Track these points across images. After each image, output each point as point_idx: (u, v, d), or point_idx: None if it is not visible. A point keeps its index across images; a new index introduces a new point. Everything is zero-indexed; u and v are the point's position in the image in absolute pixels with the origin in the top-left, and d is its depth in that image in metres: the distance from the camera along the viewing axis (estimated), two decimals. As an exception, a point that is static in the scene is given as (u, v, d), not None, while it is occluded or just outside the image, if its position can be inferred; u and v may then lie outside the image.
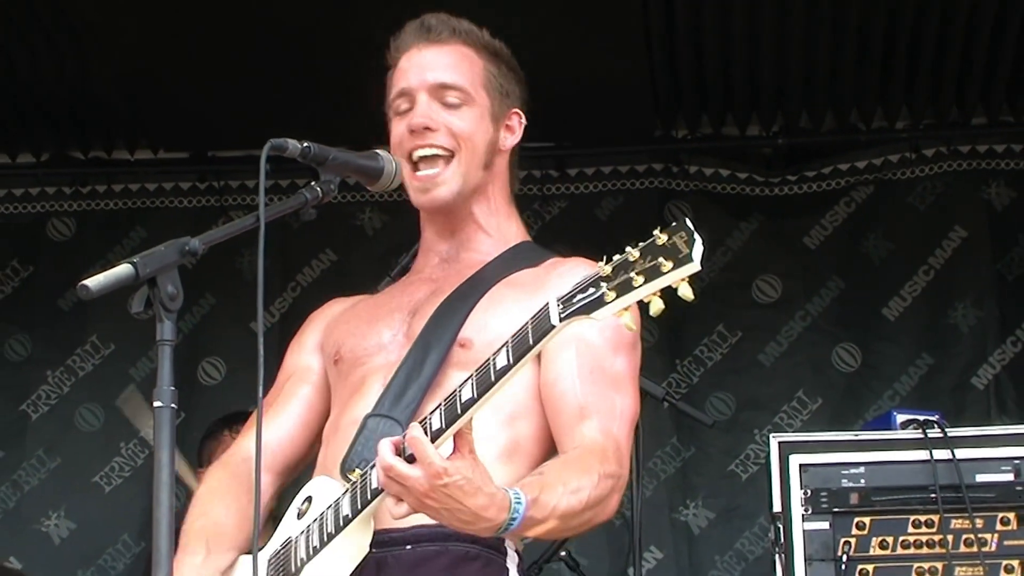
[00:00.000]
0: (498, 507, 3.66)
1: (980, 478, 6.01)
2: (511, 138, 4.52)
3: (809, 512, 6.12)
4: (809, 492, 6.13)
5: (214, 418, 7.33)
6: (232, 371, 7.93)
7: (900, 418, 6.16)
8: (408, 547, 3.94)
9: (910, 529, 6.02)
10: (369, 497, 3.69)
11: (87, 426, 7.95)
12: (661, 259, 3.26)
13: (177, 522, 3.54)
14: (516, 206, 4.49)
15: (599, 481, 3.90)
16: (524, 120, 4.51)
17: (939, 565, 6.00)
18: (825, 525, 6.08)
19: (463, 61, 4.42)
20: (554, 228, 7.93)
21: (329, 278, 8.03)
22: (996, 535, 6.00)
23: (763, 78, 7.49)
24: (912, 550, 6.04)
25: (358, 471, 3.85)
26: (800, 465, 6.13)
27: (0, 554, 7.28)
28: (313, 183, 3.81)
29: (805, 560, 6.10)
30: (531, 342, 3.41)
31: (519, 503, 3.74)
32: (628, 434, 4.11)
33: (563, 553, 6.57)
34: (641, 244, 3.40)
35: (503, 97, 4.47)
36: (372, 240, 8.04)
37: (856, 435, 6.30)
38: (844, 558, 5.99)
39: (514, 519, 3.74)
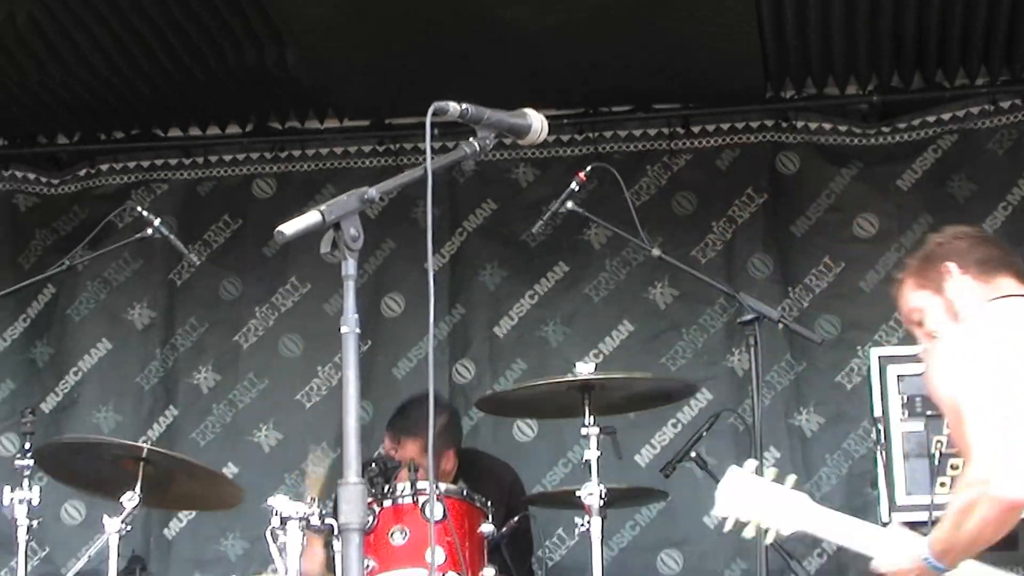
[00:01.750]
0: None
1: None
2: None
3: (906, 415, 6.23)
4: (906, 398, 6.23)
5: (394, 348, 7.66)
6: (410, 305, 8.02)
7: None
8: None
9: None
10: None
11: (289, 353, 8.17)
12: None
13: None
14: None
15: (958, 498, 4.25)
16: None
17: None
18: (920, 426, 6.17)
19: None
20: (680, 178, 8.06)
21: (490, 225, 8.19)
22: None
23: (859, 44, 7.57)
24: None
25: None
26: (897, 375, 6.25)
27: (219, 462, 7.42)
28: (472, 139, 3.91)
29: (903, 457, 6.24)
30: None
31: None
32: (982, 431, 4.19)
33: (693, 455, 6.72)
34: None
35: None
36: (525, 191, 8.15)
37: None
38: (937, 455, 6.06)
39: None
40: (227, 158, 8.46)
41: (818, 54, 7.69)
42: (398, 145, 8.22)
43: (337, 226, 3.64)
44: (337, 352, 7.66)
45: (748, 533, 4.50)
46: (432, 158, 3.77)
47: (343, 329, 3.66)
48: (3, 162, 8.59)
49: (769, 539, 4.60)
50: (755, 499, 4.50)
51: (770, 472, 4.52)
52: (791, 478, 4.53)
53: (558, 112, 7.67)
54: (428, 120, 3.76)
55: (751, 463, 4.50)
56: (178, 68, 7.67)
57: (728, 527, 4.49)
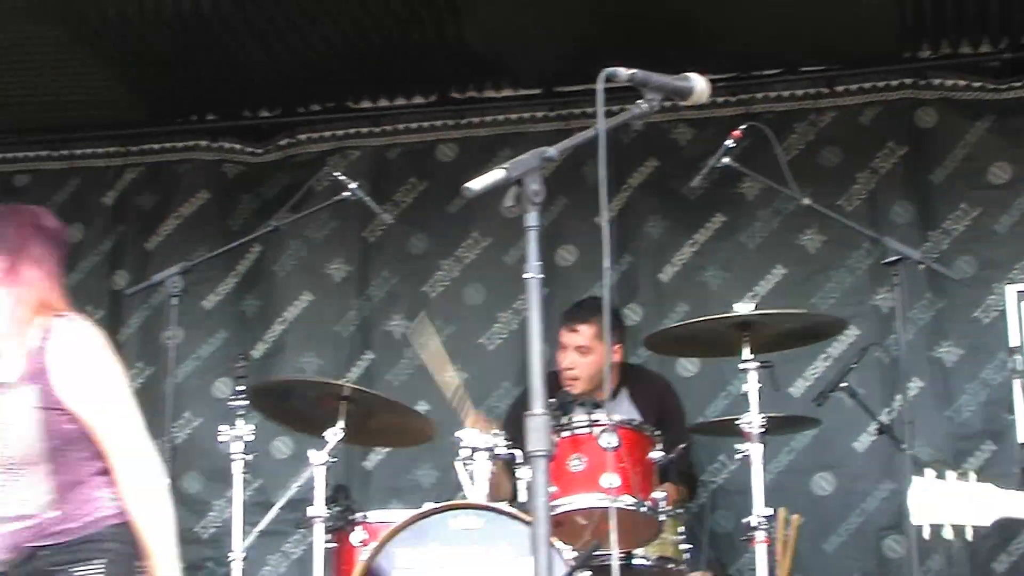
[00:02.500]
0: None
1: None
2: None
3: (1040, 345, 6.39)
4: (1040, 329, 6.39)
5: (568, 294, 7.71)
6: (581, 255, 8.18)
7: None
8: None
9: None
10: None
11: (472, 301, 8.34)
12: None
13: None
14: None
15: None
16: None
17: None
18: (1053, 355, 6.32)
19: None
20: (826, 133, 8.15)
21: (652, 181, 8.30)
22: None
23: (990, 6, 7.62)
24: None
25: None
26: (1032, 308, 6.41)
27: (411, 401, 7.38)
28: (639, 101, 4.05)
29: (1038, 383, 6.39)
30: None
31: None
32: None
33: (843, 385, 6.77)
34: None
35: None
36: (684, 149, 8.25)
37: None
38: (1069, 379, 6.21)
39: None
40: (413, 126, 8.60)
41: (952, 16, 7.69)
42: (568, 111, 8.29)
43: (519, 182, 3.80)
44: (515, 299, 7.91)
45: (946, 534, 4.61)
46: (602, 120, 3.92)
47: (527, 275, 3.80)
48: (212, 135, 8.82)
49: (969, 535, 4.65)
50: (945, 501, 4.59)
51: (951, 475, 4.62)
52: (972, 475, 4.64)
53: (713, 76, 7.70)
54: (600, 84, 3.89)
55: (930, 472, 4.60)
56: (367, 44, 7.83)
57: (926, 534, 4.61)
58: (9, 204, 4.83)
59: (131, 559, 4.46)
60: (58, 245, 4.75)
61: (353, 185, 7.10)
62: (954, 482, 4.61)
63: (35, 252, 4.64)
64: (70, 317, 4.57)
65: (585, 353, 7.10)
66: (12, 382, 4.47)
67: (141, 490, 4.49)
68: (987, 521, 4.64)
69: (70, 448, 4.46)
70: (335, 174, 7.34)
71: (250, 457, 6.78)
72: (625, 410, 7.05)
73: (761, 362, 6.12)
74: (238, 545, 6.68)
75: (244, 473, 6.77)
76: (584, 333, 7.10)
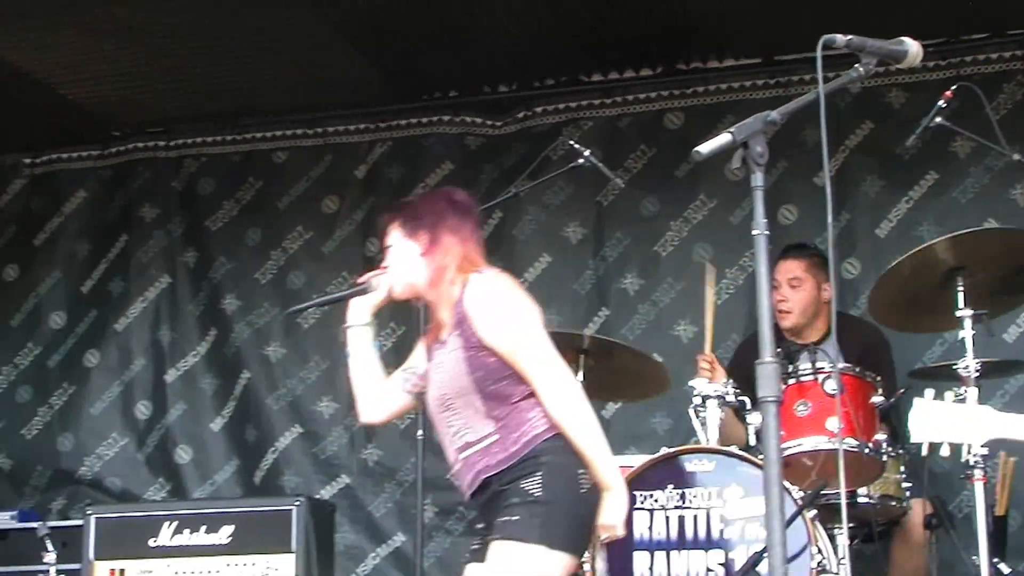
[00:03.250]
0: None
1: None
2: None
3: None
4: None
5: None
6: (801, 214, 8.17)
7: None
8: None
9: None
10: None
11: (700, 258, 8.27)
12: None
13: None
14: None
15: None
16: None
17: None
18: None
19: None
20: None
21: (868, 142, 8.26)
22: None
23: None
24: None
25: None
26: None
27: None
28: (856, 66, 4.10)
29: None
30: None
31: None
32: None
33: None
34: None
35: None
36: (898, 111, 8.19)
37: None
38: None
39: None
40: (641, 96, 8.64)
41: None
42: (787, 78, 8.28)
43: (745, 145, 3.88)
44: (740, 256, 7.97)
45: (944, 452, 4.70)
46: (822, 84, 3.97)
47: (755, 231, 3.87)
48: (455, 110, 8.98)
49: (964, 455, 4.85)
50: (943, 421, 4.66)
51: (949, 395, 4.72)
52: (973, 396, 4.68)
53: (924, 42, 7.72)
54: (819, 51, 3.96)
55: (929, 392, 4.70)
56: (597, 21, 7.92)
57: (924, 452, 4.71)
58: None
59: (568, 468, 4.71)
60: (469, 213, 5.12)
61: (587, 153, 7.17)
62: (952, 404, 4.69)
63: (451, 222, 5.00)
64: (485, 271, 4.96)
65: (796, 286, 7.15)
66: (445, 337, 4.92)
67: (563, 405, 4.75)
68: (979, 440, 4.74)
69: (496, 379, 4.80)
70: (570, 143, 7.40)
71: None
72: (833, 354, 7.09)
73: (975, 311, 6.06)
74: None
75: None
76: (794, 267, 7.16)
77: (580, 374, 6.59)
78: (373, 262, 8.58)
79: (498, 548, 4.63)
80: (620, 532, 4.86)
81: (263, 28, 7.97)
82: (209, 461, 9.11)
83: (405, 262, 5.06)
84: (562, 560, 4.62)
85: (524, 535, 4.59)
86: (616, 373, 6.90)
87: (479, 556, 4.79)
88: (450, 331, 4.89)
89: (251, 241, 9.28)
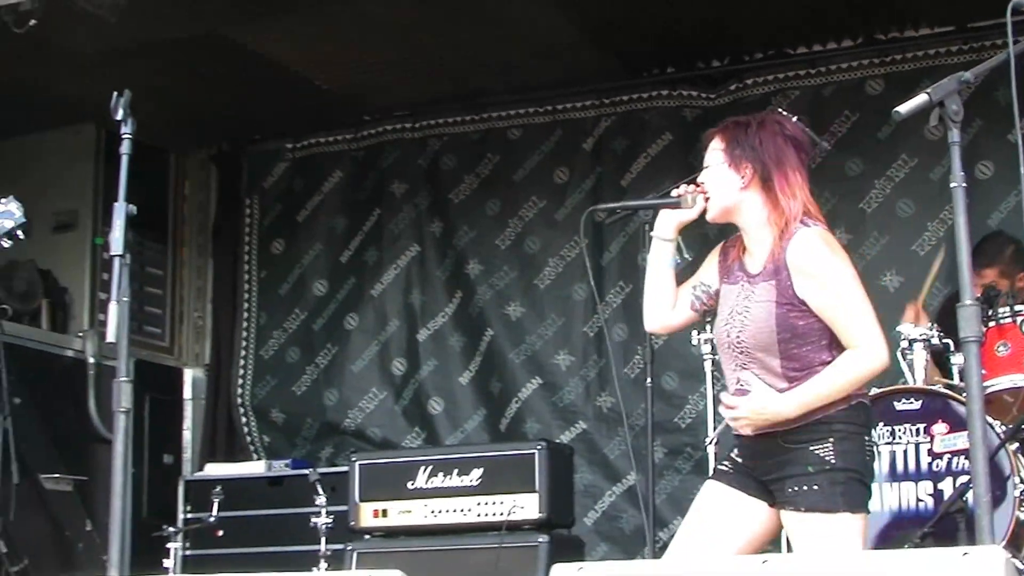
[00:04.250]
0: None
1: None
2: None
3: None
4: None
5: (986, 205, 7.75)
6: (998, 169, 7.99)
7: None
8: None
9: None
10: None
11: (903, 214, 8.30)
12: None
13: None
14: None
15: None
16: None
17: None
18: None
19: None
20: None
21: None
22: None
23: None
24: None
25: None
26: None
27: None
28: None
29: None
30: None
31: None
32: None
33: None
34: None
35: None
36: None
37: None
38: None
39: None
40: (843, 66, 8.58)
41: None
42: (979, 43, 8.14)
43: (941, 104, 3.93)
44: (940, 210, 7.93)
45: None
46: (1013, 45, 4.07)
47: (952, 184, 3.94)
48: (672, 84, 9.01)
49: None
50: None
51: None
52: None
53: None
54: (1008, 15, 4.02)
55: None
56: None
57: None
58: (753, 115, 4.95)
59: (858, 436, 4.53)
60: (806, 153, 4.86)
61: (795, 119, 7.16)
62: None
63: (791, 161, 4.73)
64: (812, 224, 4.63)
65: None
66: (755, 275, 4.66)
67: (856, 364, 4.49)
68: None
69: (800, 340, 4.54)
70: (779, 111, 7.39)
71: (717, 357, 7.01)
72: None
73: None
74: (711, 432, 6.93)
75: (714, 371, 6.97)
76: (988, 275, 7.00)
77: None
78: (603, 226, 8.82)
79: (807, 520, 4.46)
80: (730, 418, 4.68)
81: (497, 17, 8.11)
82: (459, 411, 9.29)
83: (725, 189, 4.75)
84: (863, 520, 4.50)
85: (829, 505, 4.43)
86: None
87: (726, 479, 4.70)
88: (765, 276, 4.60)
89: (490, 211, 9.43)
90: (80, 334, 9.06)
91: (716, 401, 6.91)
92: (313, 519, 7.41)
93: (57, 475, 8.18)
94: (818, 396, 4.49)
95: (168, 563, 7.78)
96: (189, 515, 8.41)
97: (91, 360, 8.83)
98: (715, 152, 4.79)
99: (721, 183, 4.76)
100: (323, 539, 7.39)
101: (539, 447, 7.13)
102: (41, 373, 8.49)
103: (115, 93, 4.91)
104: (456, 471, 7.23)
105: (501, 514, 7.03)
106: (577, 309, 9.07)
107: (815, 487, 4.45)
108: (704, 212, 4.83)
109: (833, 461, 4.46)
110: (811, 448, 4.49)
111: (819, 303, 4.51)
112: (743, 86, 8.81)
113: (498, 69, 8.94)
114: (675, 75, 9.06)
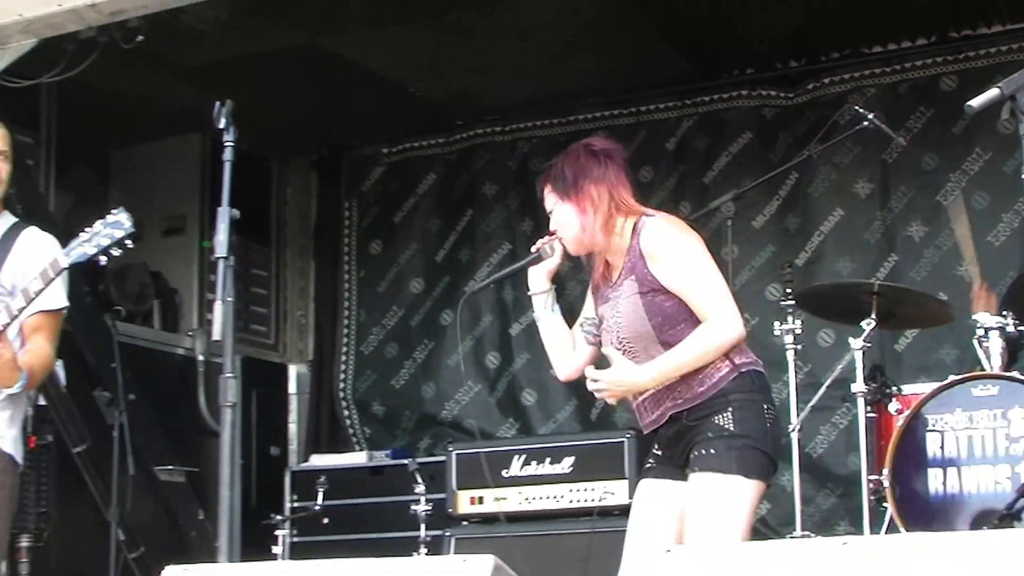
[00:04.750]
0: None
1: None
2: None
3: None
4: None
5: None
6: None
7: None
8: None
9: None
10: None
11: (978, 206, 8.14)
12: None
13: None
14: None
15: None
16: None
17: None
18: None
19: None
20: None
21: None
22: None
23: None
24: None
25: None
26: None
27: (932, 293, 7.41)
28: None
29: None
30: None
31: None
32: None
33: None
34: None
35: None
36: None
37: None
38: None
39: None
40: (918, 63, 8.50)
41: None
42: None
43: (1013, 97, 3.87)
44: (1015, 202, 7.79)
45: None
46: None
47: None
48: (752, 85, 8.98)
49: None
50: None
51: None
52: None
53: None
54: None
55: None
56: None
57: None
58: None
59: (756, 404, 4.57)
60: (611, 158, 4.76)
61: (871, 116, 7.11)
62: None
63: (594, 173, 4.69)
64: (654, 214, 4.68)
65: None
66: (617, 280, 4.70)
67: (707, 336, 4.51)
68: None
69: (673, 321, 4.57)
70: (855, 108, 7.39)
71: (799, 347, 6.99)
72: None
73: None
74: (794, 419, 6.89)
75: (795, 360, 6.98)
76: None
77: (872, 314, 6.56)
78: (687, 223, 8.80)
79: (700, 479, 4.50)
80: (596, 389, 4.68)
81: (582, 24, 8.12)
82: (551, 402, 9.28)
83: (568, 222, 4.73)
84: (757, 487, 4.51)
85: (723, 467, 4.46)
86: (904, 310, 6.84)
87: (652, 473, 4.75)
88: (625, 275, 4.64)
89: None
90: (190, 333, 9.17)
91: (797, 389, 6.90)
92: (412, 507, 7.47)
93: (170, 467, 8.29)
94: (674, 365, 4.55)
95: (277, 549, 7.88)
96: (295, 504, 8.48)
97: (200, 357, 8.95)
98: (548, 197, 4.81)
99: (564, 220, 4.76)
100: (422, 526, 7.45)
101: (628, 436, 7.11)
102: (154, 371, 8.60)
103: (218, 103, 4.97)
104: (549, 459, 7.24)
105: (592, 500, 7.04)
106: None
107: (712, 451, 4.50)
108: (566, 251, 4.86)
109: (732, 428, 4.51)
110: (713, 419, 4.54)
111: (673, 282, 4.56)
112: (820, 85, 8.75)
113: (584, 73, 8.94)
114: (754, 76, 9.02)
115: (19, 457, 5.30)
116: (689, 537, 4.48)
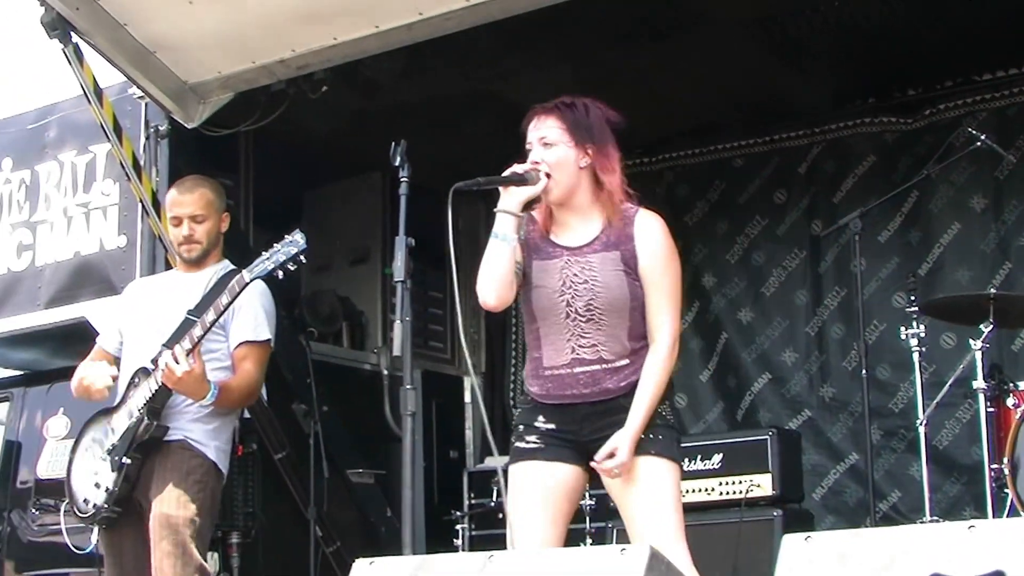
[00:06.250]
0: None
1: None
2: None
3: None
4: None
5: None
6: None
7: None
8: None
9: None
10: None
11: None
12: None
13: None
14: None
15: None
16: None
17: None
18: None
19: None
20: None
21: None
22: None
23: None
24: None
25: None
26: None
27: None
28: None
29: None
30: None
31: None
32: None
33: None
34: None
35: None
36: None
37: None
38: None
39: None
40: (1017, 91, 8.34)
41: None
42: None
43: None
44: None
45: None
46: None
47: None
48: (874, 112, 8.87)
49: None
50: None
51: None
52: None
53: None
54: None
55: None
56: (985, 29, 7.72)
57: None
58: (573, 97, 4.51)
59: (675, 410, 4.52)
60: (617, 137, 4.47)
61: (983, 137, 7.08)
62: None
63: (614, 142, 4.45)
64: (641, 207, 4.42)
65: None
66: (581, 247, 4.39)
67: (664, 356, 4.33)
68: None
69: (641, 310, 4.34)
70: (969, 130, 7.40)
71: (924, 349, 6.93)
72: None
73: None
74: (921, 415, 6.84)
75: (921, 361, 6.91)
76: None
77: (989, 317, 6.51)
78: (818, 239, 8.74)
79: (653, 463, 4.31)
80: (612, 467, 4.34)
81: (721, 61, 8.07)
82: (700, 405, 9.23)
83: (567, 167, 4.37)
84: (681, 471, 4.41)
85: (669, 453, 4.33)
86: (1020, 314, 6.78)
87: (538, 455, 4.45)
88: (599, 247, 4.34)
89: (720, 230, 9.36)
90: (375, 350, 9.30)
91: (923, 387, 6.82)
92: (579, 502, 7.44)
93: (360, 470, 8.38)
94: (649, 407, 4.31)
95: (457, 542, 7.94)
96: (473, 501, 8.54)
97: (385, 372, 9.07)
98: (556, 131, 4.40)
99: (565, 163, 4.38)
100: (587, 518, 7.46)
101: (771, 433, 7.11)
102: (344, 384, 8.73)
103: (393, 144, 5.04)
104: (699, 456, 7.20)
105: (740, 492, 7.01)
106: (799, 312, 8.99)
107: (660, 437, 4.33)
108: (549, 191, 4.39)
109: (671, 419, 4.40)
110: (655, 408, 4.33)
111: (654, 279, 4.32)
112: (935, 111, 8.61)
113: (722, 105, 8.90)
114: (876, 104, 8.89)
115: (222, 465, 5.50)
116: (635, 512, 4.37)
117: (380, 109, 8.01)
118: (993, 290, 6.77)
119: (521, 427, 4.52)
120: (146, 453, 5.36)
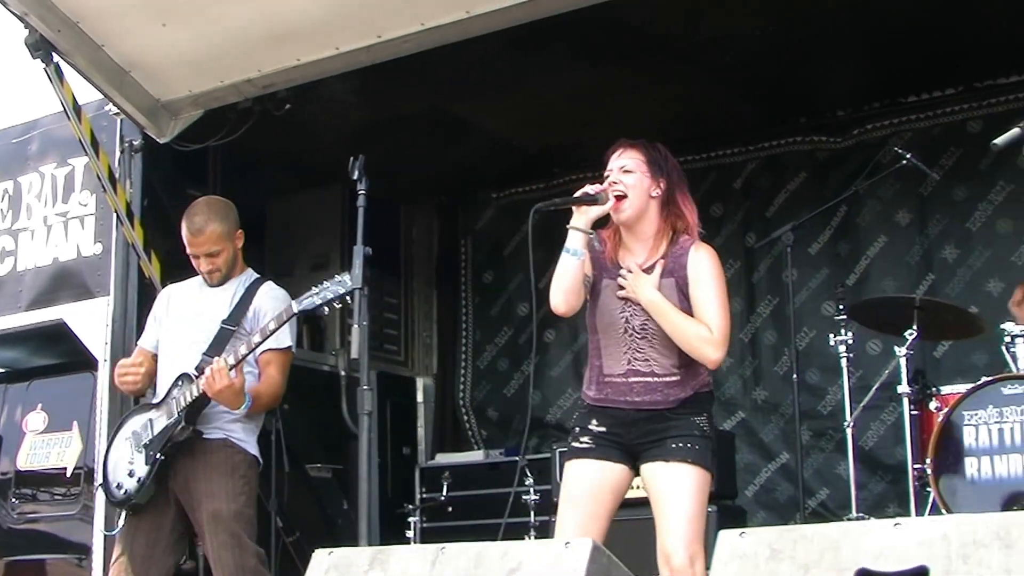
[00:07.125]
0: None
1: None
2: None
3: None
4: None
5: None
6: None
7: None
8: None
9: None
10: None
11: (1003, 230, 8.04)
12: None
13: None
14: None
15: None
16: None
17: None
18: None
19: None
20: None
21: None
22: None
23: None
24: None
25: None
26: None
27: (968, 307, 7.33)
28: None
29: None
30: None
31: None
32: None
33: None
34: None
35: None
36: None
37: None
38: None
39: None
40: (948, 110, 8.30)
41: None
42: None
43: None
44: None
45: None
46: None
47: None
48: (805, 131, 8.83)
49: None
50: None
51: None
52: None
53: None
54: None
55: None
56: (911, 52, 7.64)
57: None
58: (654, 144, 4.78)
59: (713, 417, 4.59)
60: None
61: (909, 155, 7.09)
62: None
63: (683, 184, 4.72)
64: (699, 240, 4.61)
65: None
66: (649, 269, 4.56)
67: (701, 330, 4.45)
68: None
69: None
70: (895, 149, 7.37)
71: (852, 355, 6.94)
72: None
73: None
74: (849, 417, 6.85)
75: (848, 367, 6.93)
76: None
77: (914, 325, 6.53)
78: (752, 251, 8.73)
79: (684, 469, 4.41)
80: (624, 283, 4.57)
81: (672, 83, 8.04)
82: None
83: (641, 192, 4.60)
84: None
85: (702, 461, 4.41)
86: (941, 322, 6.79)
87: (588, 455, 4.55)
88: (660, 271, 4.52)
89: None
90: (333, 352, 9.23)
91: (850, 391, 6.84)
92: (523, 497, 7.48)
93: (319, 465, 8.34)
94: (667, 312, 4.46)
95: (409, 534, 7.91)
96: (424, 495, 8.51)
97: (342, 373, 9.00)
98: (636, 161, 4.66)
99: (640, 189, 4.61)
100: (532, 513, 7.47)
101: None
102: (304, 384, 8.58)
103: (352, 159, 5.02)
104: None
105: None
106: (734, 320, 8.71)
107: (696, 447, 4.44)
108: (620, 212, 4.61)
109: (707, 430, 4.50)
110: (693, 418, 4.49)
111: (700, 288, 4.49)
112: (864, 131, 8.62)
113: (664, 124, 8.81)
114: (808, 123, 8.89)
115: (260, 458, 5.72)
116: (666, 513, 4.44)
117: (341, 126, 7.97)
118: (919, 296, 6.77)
119: (576, 429, 4.65)
120: (185, 451, 5.50)
